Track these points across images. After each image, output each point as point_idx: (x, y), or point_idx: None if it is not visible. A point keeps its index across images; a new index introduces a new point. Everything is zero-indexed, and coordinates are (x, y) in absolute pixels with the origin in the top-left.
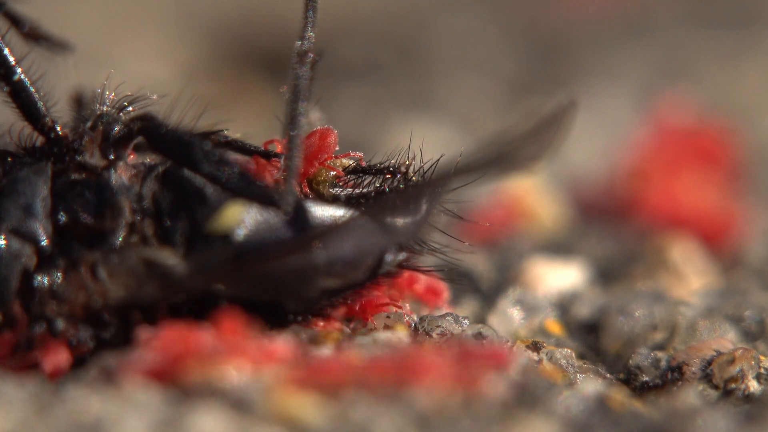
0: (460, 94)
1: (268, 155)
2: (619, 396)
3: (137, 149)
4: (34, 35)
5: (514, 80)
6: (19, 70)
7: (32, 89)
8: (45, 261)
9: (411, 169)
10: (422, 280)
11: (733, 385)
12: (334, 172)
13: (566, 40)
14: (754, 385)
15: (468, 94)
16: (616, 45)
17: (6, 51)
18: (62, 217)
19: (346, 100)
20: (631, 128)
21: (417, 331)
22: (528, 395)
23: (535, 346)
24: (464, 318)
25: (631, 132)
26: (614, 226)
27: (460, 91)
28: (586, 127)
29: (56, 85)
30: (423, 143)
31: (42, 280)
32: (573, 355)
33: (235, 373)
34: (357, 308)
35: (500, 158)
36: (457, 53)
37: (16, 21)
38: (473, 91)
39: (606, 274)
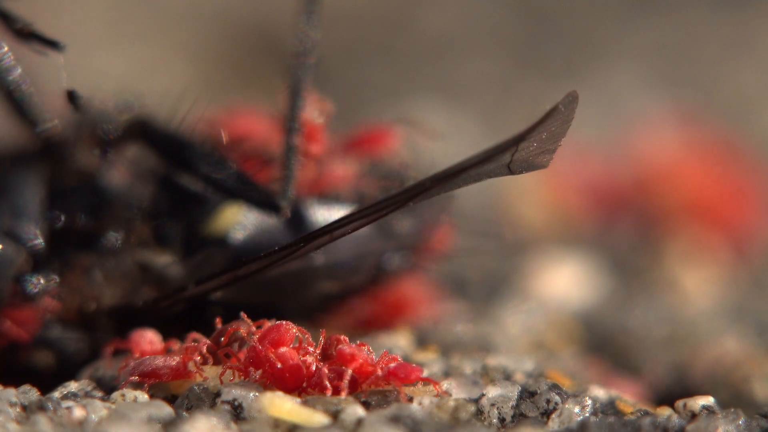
0: (463, 76)
1: (267, 156)
2: (624, 398)
3: (136, 150)
4: (25, 33)
5: (519, 61)
6: (17, 70)
7: (30, 90)
8: (41, 263)
9: (411, 169)
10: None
11: (736, 387)
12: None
13: (570, 21)
14: (756, 388)
15: (471, 75)
16: (621, 26)
17: (3, 51)
18: (59, 219)
19: (344, 82)
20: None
21: (417, 333)
22: (530, 397)
23: (537, 347)
24: (464, 318)
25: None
26: (617, 222)
27: (462, 72)
28: (590, 109)
29: (53, 86)
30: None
31: (37, 282)
32: (575, 356)
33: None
34: (357, 311)
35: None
36: (460, 34)
37: (7, 18)
38: (476, 72)
39: (609, 273)
